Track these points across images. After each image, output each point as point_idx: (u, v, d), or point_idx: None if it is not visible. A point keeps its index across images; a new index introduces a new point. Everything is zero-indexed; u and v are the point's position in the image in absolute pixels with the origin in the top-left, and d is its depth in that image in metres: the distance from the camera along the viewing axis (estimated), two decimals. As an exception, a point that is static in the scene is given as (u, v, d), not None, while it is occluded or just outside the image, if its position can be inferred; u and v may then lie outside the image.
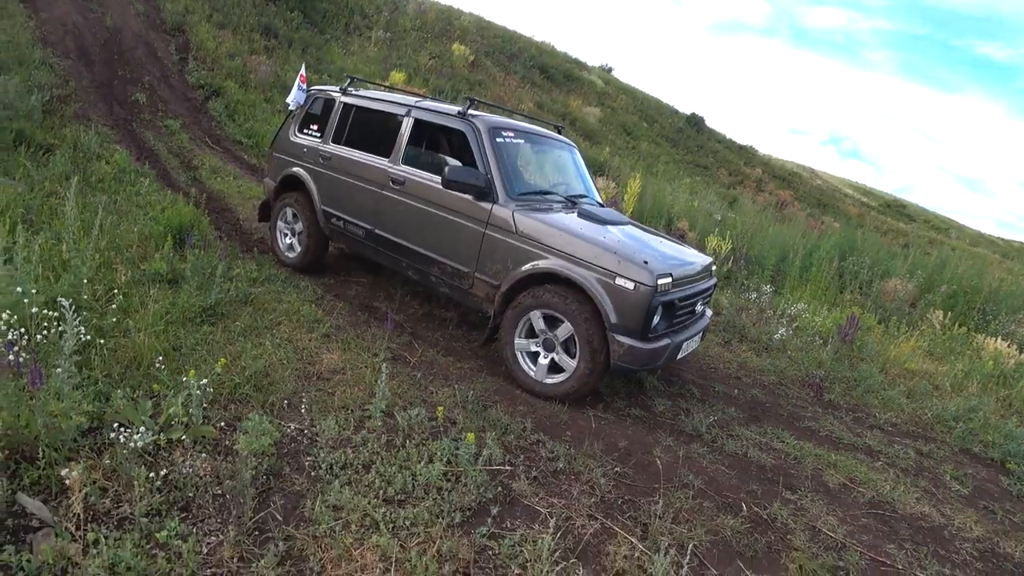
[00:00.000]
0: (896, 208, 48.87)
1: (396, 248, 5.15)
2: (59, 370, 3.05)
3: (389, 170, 5.16)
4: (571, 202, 5.06)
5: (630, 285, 3.94)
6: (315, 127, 5.89)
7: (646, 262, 4.00)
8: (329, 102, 5.84)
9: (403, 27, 21.13)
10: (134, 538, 2.51)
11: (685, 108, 36.86)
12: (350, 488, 3.02)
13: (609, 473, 3.63)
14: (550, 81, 24.45)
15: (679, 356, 4.40)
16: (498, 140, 4.75)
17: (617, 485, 3.55)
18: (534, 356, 4.44)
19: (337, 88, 5.91)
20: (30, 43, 10.35)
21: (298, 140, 5.98)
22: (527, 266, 4.30)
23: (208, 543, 2.62)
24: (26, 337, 3.45)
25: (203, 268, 5.07)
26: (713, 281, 5.01)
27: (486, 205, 4.55)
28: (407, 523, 2.85)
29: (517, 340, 4.44)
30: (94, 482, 2.80)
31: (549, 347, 4.35)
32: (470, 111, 4.90)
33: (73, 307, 3.15)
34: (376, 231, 5.28)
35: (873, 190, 57.48)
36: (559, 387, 4.28)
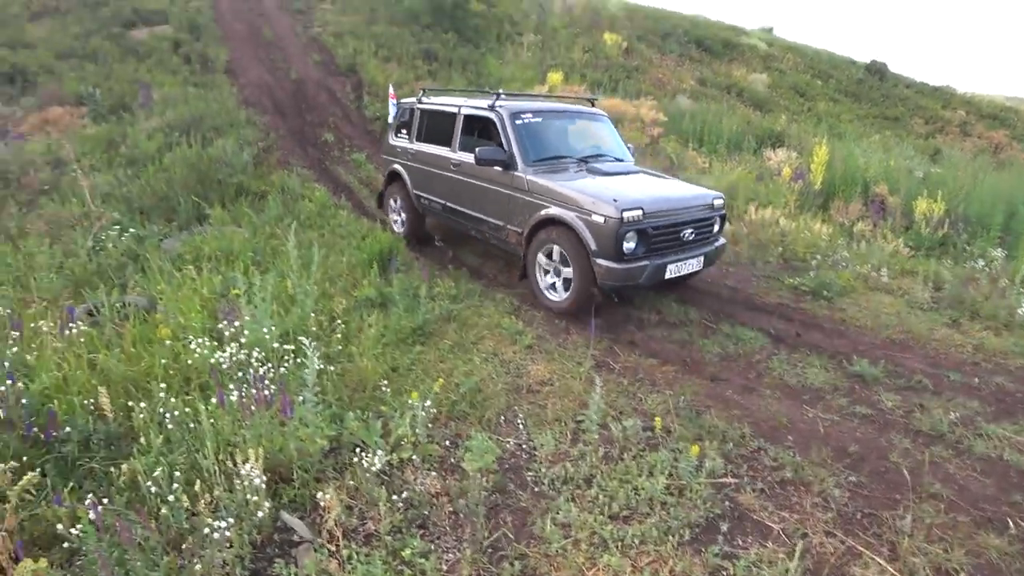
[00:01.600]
0: None
1: (461, 215, 6.52)
2: (301, 398, 3.41)
3: (451, 157, 6.55)
4: (584, 162, 6.12)
5: (601, 219, 4.98)
6: (404, 131, 7.48)
7: (615, 200, 4.99)
8: (411, 110, 7.36)
9: (552, 27, 21.19)
10: (381, 555, 2.72)
11: (863, 56, 33.20)
12: (575, 504, 3.06)
13: (843, 483, 3.35)
14: (708, 54, 23.23)
15: (668, 276, 5.31)
16: (518, 122, 6.00)
17: (853, 496, 3.26)
18: (545, 272, 5.63)
19: (415, 98, 7.34)
20: (236, 107, 11.82)
21: (395, 143, 7.62)
22: (539, 214, 5.50)
23: (447, 560, 2.78)
24: (271, 370, 3.90)
25: (407, 290, 5.44)
26: (714, 214, 5.73)
27: (510, 172, 5.79)
28: (635, 541, 2.83)
29: (539, 256, 5.60)
30: (340, 501, 3.08)
31: (556, 273, 5.53)
32: (498, 103, 6.17)
33: (312, 342, 3.50)
34: (448, 204, 6.67)
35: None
36: (553, 304, 5.56)
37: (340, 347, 4.53)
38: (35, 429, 3.22)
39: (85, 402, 3.45)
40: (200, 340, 4.02)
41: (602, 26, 22.07)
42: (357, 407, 3.82)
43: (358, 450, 3.29)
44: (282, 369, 3.95)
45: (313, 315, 4.80)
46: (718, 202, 5.79)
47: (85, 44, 14.22)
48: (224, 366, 3.84)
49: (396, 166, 7.49)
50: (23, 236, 6.30)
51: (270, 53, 15.89)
